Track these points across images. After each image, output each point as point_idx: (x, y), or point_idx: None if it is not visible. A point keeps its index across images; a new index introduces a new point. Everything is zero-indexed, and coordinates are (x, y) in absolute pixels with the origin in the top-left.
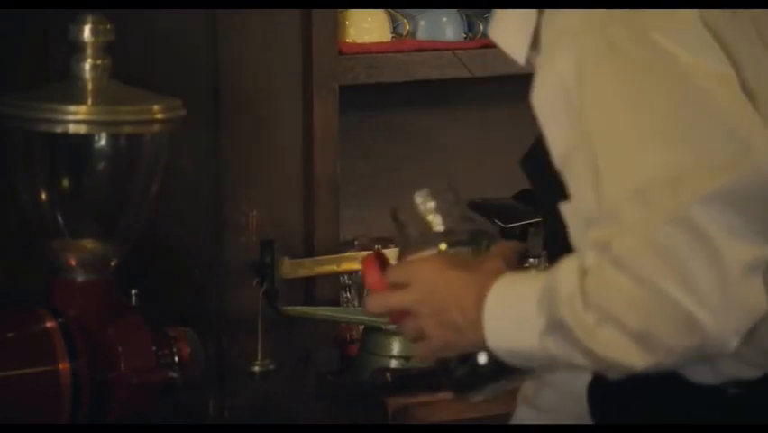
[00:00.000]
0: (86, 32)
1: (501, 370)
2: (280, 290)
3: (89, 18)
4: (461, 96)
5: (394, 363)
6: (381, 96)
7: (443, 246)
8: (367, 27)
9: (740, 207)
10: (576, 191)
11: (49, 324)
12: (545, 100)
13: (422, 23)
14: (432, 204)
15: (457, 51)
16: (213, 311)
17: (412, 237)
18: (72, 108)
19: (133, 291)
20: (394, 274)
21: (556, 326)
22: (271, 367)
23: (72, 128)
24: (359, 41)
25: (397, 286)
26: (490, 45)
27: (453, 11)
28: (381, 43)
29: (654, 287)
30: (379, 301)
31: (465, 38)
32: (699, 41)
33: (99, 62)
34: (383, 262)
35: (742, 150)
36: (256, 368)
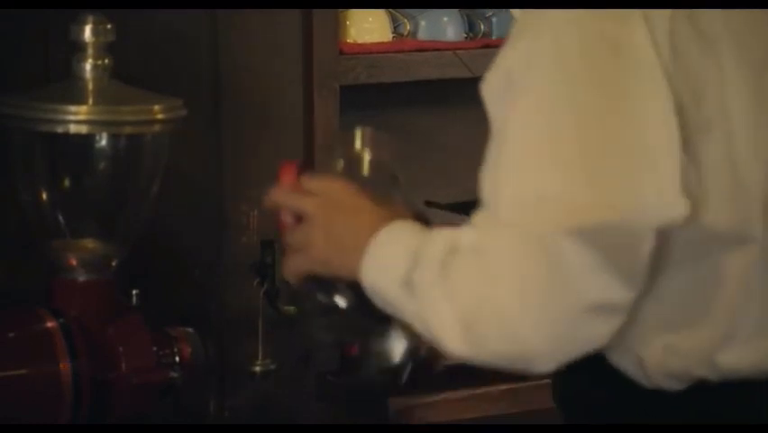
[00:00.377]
0: (87, 32)
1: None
2: (281, 290)
3: (90, 18)
4: (462, 96)
5: (395, 364)
6: (382, 96)
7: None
8: (368, 27)
9: (603, 246)
10: (487, 165)
11: (49, 324)
12: (492, 84)
13: (423, 22)
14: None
15: (458, 51)
16: (213, 311)
17: (339, 166)
18: (73, 108)
19: (134, 291)
20: (308, 182)
21: (409, 283)
22: (272, 367)
23: (73, 128)
24: (359, 40)
25: (310, 192)
26: (491, 45)
27: (454, 11)
28: (382, 43)
29: (495, 287)
30: (281, 196)
31: (466, 38)
32: (647, 72)
33: (100, 62)
34: (302, 172)
35: (628, 197)
36: (256, 368)
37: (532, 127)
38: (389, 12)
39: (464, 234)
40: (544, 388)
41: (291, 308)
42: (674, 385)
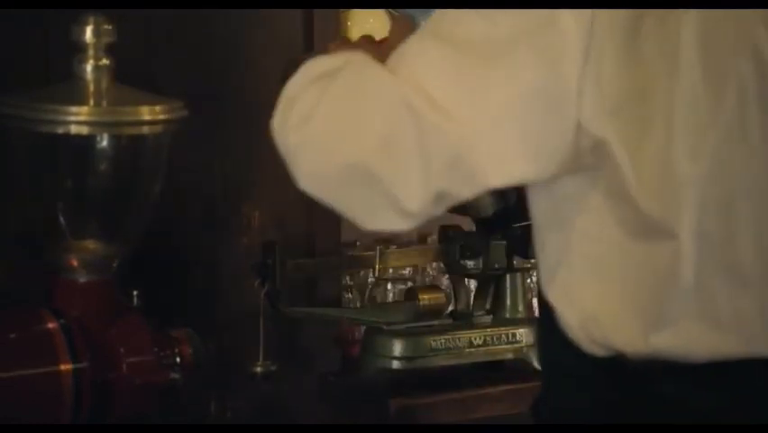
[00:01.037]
0: (88, 32)
1: None
2: (282, 290)
3: (91, 19)
4: None
5: (395, 364)
6: None
7: None
8: (368, 27)
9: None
10: None
11: (50, 324)
12: None
13: (423, 23)
14: None
15: None
16: (214, 312)
17: None
18: (74, 109)
19: (135, 292)
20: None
21: None
22: (273, 368)
23: (73, 129)
24: None
25: None
26: None
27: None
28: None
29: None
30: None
31: None
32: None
33: (101, 63)
34: None
35: None
36: (258, 369)
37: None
38: (389, 12)
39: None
40: None
41: (293, 309)
42: (599, 352)
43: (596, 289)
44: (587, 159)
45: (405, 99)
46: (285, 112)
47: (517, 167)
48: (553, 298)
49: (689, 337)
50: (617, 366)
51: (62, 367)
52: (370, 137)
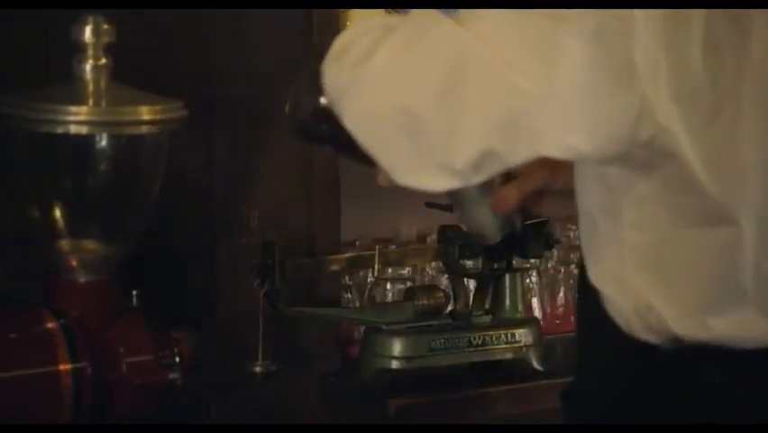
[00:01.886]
0: (88, 32)
1: None
2: (281, 290)
3: (90, 18)
4: None
5: (395, 364)
6: None
7: None
8: None
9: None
10: None
11: (50, 324)
12: None
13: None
14: None
15: None
16: (214, 312)
17: None
18: (73, 109)
19: (134, 292)
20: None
21: None
22: (272, 368)
23: (73, 129)
24: None
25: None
26: None
27: (454, 11)
28: None
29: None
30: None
31: None
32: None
33: (100, 63)
34: None
35: None
36: (257, 369)
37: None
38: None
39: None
40: (544, 388)
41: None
42: (653, 339)
43: (649, 277)
44: (640, 152)
45: (469, 49)
46: (340, 55)
47: (574, 138)
48: (604, 286)
49: (746, 323)
50: (656, 353)
51: (62, 367)
52: (427, 83)
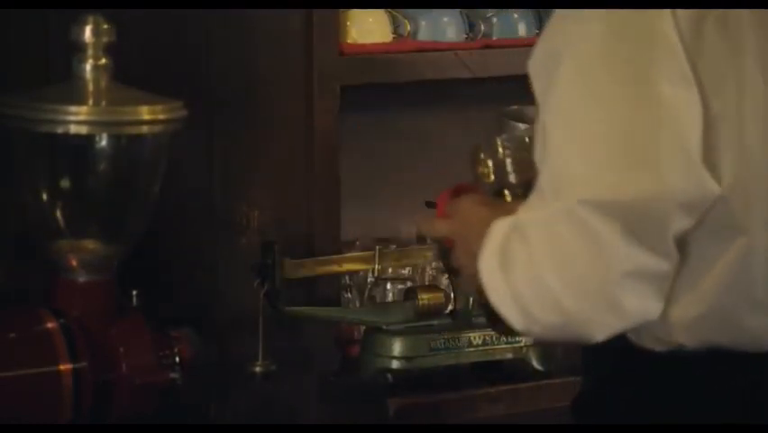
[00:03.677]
0: (88, 32)
1: None
2: (281, 290)
3: (90, 18)
4: (462, 96)
5: (395, 364)
6: (382, 97)
7: (507, 196)
8: (368, 27)
9: (628, 220)
10: (536, 147)
11: (50, 324)
12: (537, 61)
13: (423, 23)
14: (508, 151)
15: (458, 52)
16: (214, 312)
17: (483, 181)
18: (73, 109)
19: (134, 292)
20: (449, 206)
21: (483, 270)
22: (272, 368)
23: (73, 129)
24: (360, 41)
25: (447, 217)
26: (491, 45)
27: (454, 11)
28: (382, 43)
29: (536, 262)
30: (427, 226)
31: (466, 38)
32: (674, 60)
33: (100, 63)
34: (458, 193)
35: (652, 179)
36: (257, 369)
37: (566, 114)
38: (389, 12)
39: (513, 219)
40: (544, 388)
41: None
42: (659, 348)
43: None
44: None
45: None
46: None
47: None
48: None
49: (757, 329)
50: (676, 358)
51: (62, 367)
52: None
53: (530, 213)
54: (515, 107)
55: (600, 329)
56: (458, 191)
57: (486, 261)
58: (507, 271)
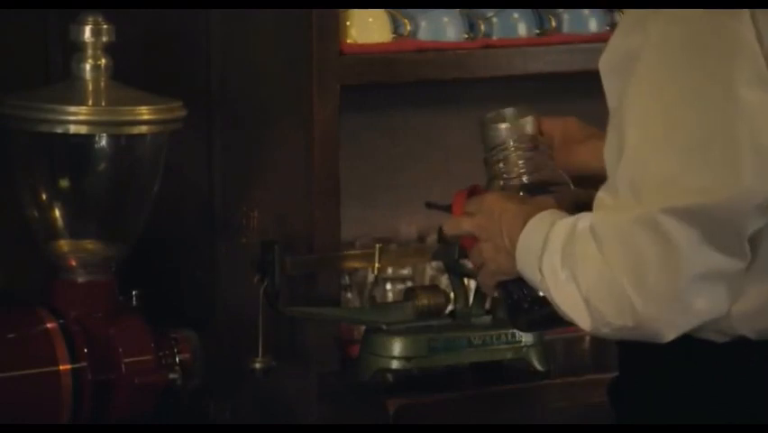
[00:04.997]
0: (87, 32)
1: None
2: (281, 290)
3: (90, 18)
4: (462, 96)
5: (395, 364)
6: (382, 96)
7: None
8: (368, 27)
9: (707, 225)
10: (608, 145)
11: (49, 325)
12: (608, 62)
13: (423, 23)
14: (520, 152)
15: (458, 51)
16: (213, 312)
17: (495, 182)
18: (72, 109)
19: (134, 292)
20: (469, 204)
21: (540, 268)
22: (272, 363)
23: (72, 128)
24: (360, 41)
25: (470, 214)
26: (491, 45)
27: (454, 11)
28: (382, 43)
29: (609, 265)
30: (452, 224)
31: (466, 38)
32: (752, 62)
33: (100, 63)
34: (473, 194)
35: (731, 182)
36: (257, 364)
37: (646, 115)
38: (389, 12)
39: (582, 219)
40: (544, 388)
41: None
42: (719, 338)
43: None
44: None
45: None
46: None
47: None
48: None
49: None
50: (737, 348)
51: (61, 367)
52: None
53: (605, 214)
54: (493, 113)
55: (671, 330)
56: (472, 192)
57: (547, 258)
58: (574, 271)
